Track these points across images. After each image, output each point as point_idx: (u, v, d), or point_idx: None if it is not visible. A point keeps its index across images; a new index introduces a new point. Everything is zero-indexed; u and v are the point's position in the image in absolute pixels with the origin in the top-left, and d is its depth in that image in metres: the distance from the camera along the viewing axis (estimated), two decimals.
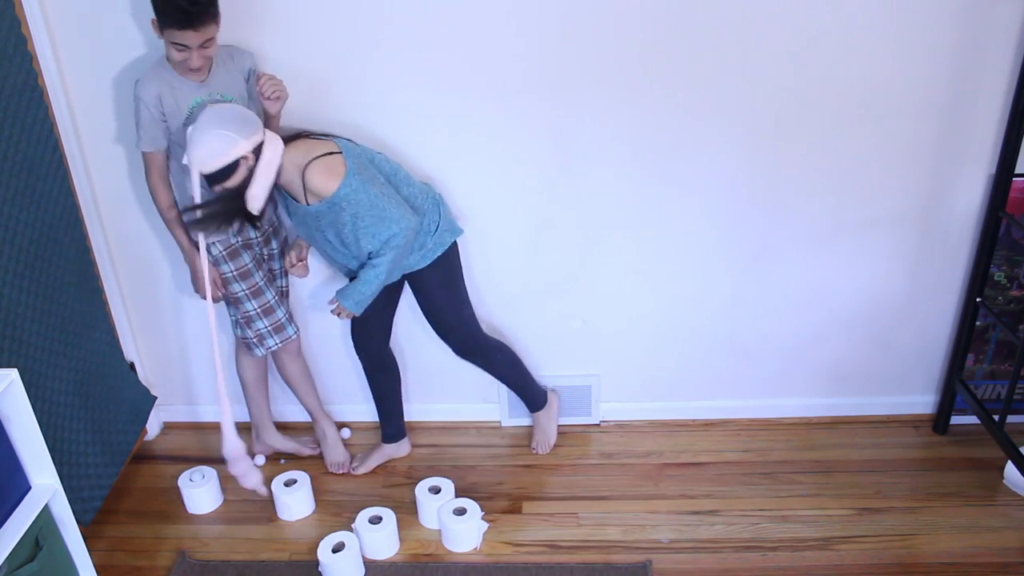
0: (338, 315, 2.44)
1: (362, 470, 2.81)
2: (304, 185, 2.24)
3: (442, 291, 2.52)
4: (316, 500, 2.70)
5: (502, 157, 2.57)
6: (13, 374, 1.79)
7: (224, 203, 2.22)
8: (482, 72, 2.44)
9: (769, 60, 2.39)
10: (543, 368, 2.92)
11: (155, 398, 2.97)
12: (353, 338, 2.66)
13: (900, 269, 2.71)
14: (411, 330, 2.86)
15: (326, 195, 2.24)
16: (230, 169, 2.16)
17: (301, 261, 2.57)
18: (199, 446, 3.00)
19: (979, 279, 2.61)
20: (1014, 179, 2.48)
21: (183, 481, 2.70)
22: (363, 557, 2.44)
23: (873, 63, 2.39)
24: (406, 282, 2.54)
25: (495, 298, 2.81)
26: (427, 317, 2.59)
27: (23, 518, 1.83)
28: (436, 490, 2.61)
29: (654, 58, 2.40)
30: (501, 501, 2.65)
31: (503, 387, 2.93)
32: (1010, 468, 2.61)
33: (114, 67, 2.49)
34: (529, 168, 2.58)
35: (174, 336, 2.95)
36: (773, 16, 2.33)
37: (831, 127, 2.48)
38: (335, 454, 2.82)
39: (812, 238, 2.66)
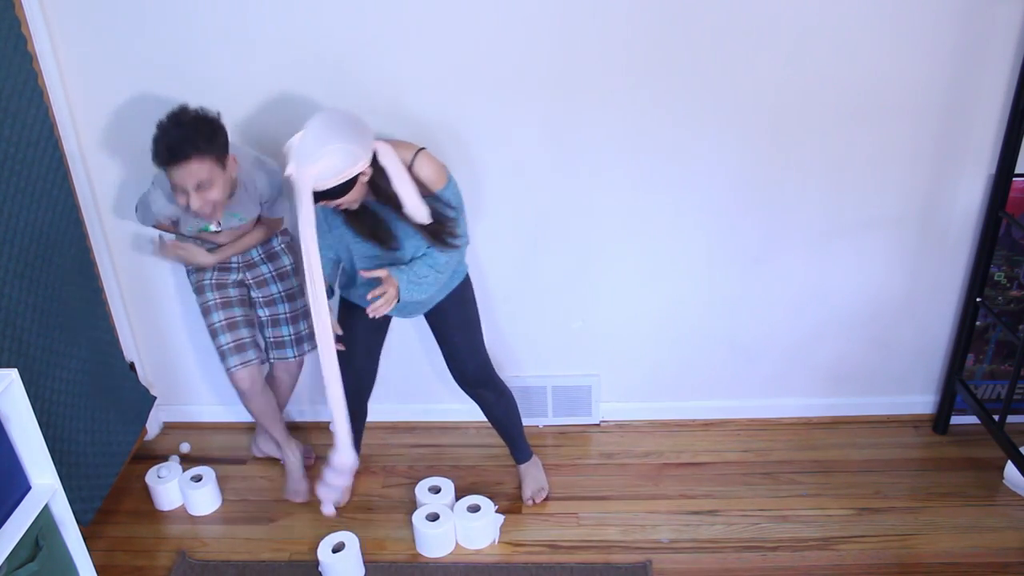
0: (378, 297, 2.10)
1: (343, 502, 2.69)
2: (414, 179, 2.07)
3: (464, 312, 2.41)
4: (313, 500, 2.71)
5: (502, 158, 2.57)
6: (13, 374, 1.79)
7: (380, 219, 2.13)
8: (482, 74, 2.44)
9: (768, 60, 2.39)
10: (543, 368, 2.93)
11: (155, 398, 2.97)
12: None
13: (900, 269, 2.71)
14: (411, 330, 2.86)
15: (438, 186, 2.11)
16: (347, 186, 1.98)
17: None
18: (199, 446, 3.00)
19: (979, 279, 2.61)
20: (1014, 179, 2.48)
21: (151, 478, 2.72)
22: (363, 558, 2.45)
23: (872, 63, 2.39)
24: (391, 322, 2.46)
25: (495, 298, 2.81)
26: (446, 343, 2.45)
27: (23, 518, 1.83)
28: (436, 490, 2.61)
29: (654, 59, 2.40)
30: (501, 501, 2.65)
31: None
32: (1010, 468, 2.62)
33: (114, 67, 2.49)
34: (529, 168, 2.58)
35: (174, 336, 2.95)
36: (772, 16, 2.34)
37: (831, 127, 2.48)
38: (295, 484, 2.74)
39: (812, 238, 2.66)
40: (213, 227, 2.40)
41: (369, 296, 2.13)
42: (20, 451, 1.87)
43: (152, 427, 3.05)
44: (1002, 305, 2.70)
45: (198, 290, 2.54)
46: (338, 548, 2.40)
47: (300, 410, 3.08)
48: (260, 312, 2.65)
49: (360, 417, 2.63)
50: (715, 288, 2.76)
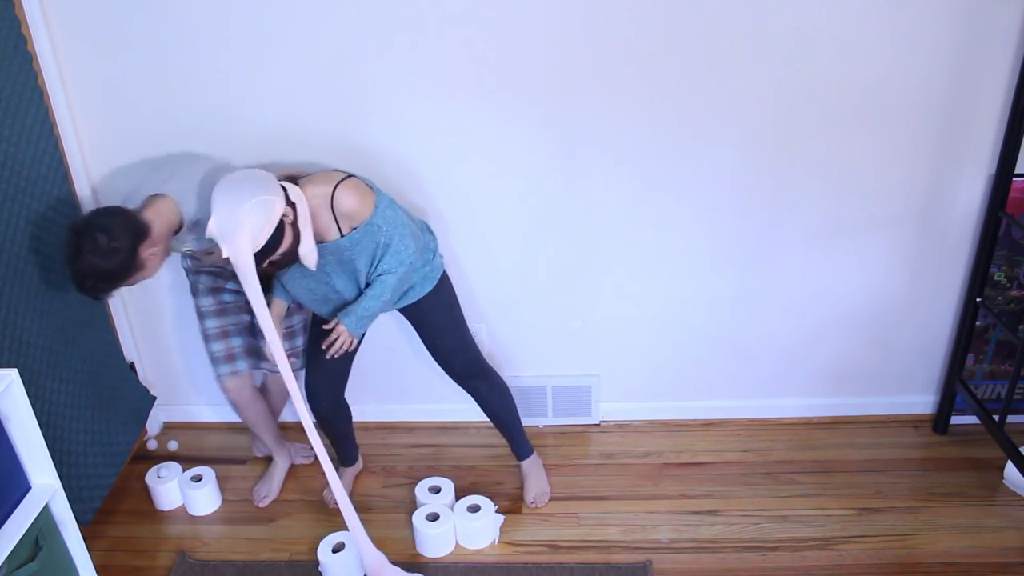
0: (332, 344, 2.22)
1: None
2: (336, 213, 2.10)
3: (446, 312, 2.41)
4: (313, 500, 2.71)
5: (502, 158, 2.57)
6: (13, 374, 1.79)
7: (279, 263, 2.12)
8: (482, 74, 2.44)
9: (768, 60, 2.39)
10: (543, 368, 2.93)
11: (155, 398, 2.97)
12: (309, 386, 2.47)
13: (900, 269, 2.71)
14: (410, 331, 2.86)
15: (364, 216, 2.11)
16: (279, 234, 2.01)
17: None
18: (199, 446, 3.01)
19: (979, 279, 2.61)
20: (1014, 179, 2.48)
21: (151, 478, 2.72)
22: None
23: (872, 63, 2.39)
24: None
25: (495, 299, 2.81)
26: (431, 344, 2.45)
27: (23, 518, 1.83)
28: (436, 490, 2.61)
29: (653, 59, 2.40)
30: (501, 501, 2.65)
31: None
32: (1010, 468, 2.61)
33: (114, 67, 2.49)
34: (529, 168, 2.58)
35: (174, 336, 2.95)
36: (772, 16, 2.33)
37: (831, 127, 2.48)
38: (267, 487, 2.74)
39: (812, 238, 2.66)
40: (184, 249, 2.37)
41: (324, 345, 2.24)
42: (20, 451, 1.87)
43: (152, 427, 3.05)
44: (1002, 305, 2.70)
45: (193, 292, 2.54)
46: (338, 548, 2.40)
47: None
48: (255, 321, 2.62)
49: (343, 413, 2.59)
50: (715, 288, 2.76)
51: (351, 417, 2.66)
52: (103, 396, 2.61)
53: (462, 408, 2.98)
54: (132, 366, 2.92)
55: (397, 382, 2.99)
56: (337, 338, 2.23)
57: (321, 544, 2.42)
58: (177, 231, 2.27)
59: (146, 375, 3.01)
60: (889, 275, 2.72)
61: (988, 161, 2.52)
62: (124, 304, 2.87)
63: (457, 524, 2.48)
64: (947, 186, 2.57)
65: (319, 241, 2.16)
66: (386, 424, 3.06)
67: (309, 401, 2.51)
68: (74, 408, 2.45)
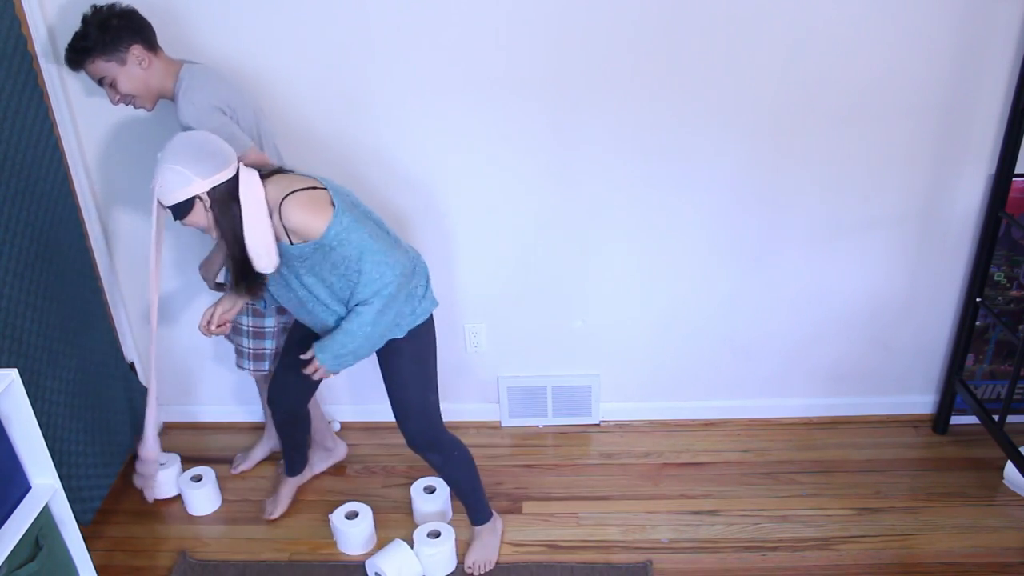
0: (313, 373, 2.09)
1: (278, 513, 2.64)
2: (283, 222, 1.92)
3: (414, 366, 2.18)
4: (314, 500, 2.71)
5: (501, 157, 2.57)
6: (13, 374, 1.79)
7: (232, 260, 1.97)
8: (482, 73, 2.44)
9: (768, 59, 2.39)
10: (543, 368, 2.93)
11: None
12: (270, 392, 2.42)
13: (900, 269, 2.71)
14: None
15: (310, 235, 1.93)
16: (186, 206, 1.91)
17: (222, 324, 2.20)
18: (198, 446, 3.01)
19: (979, 279, 2.61)
20: (1014, 179, 2.48)
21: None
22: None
23: (872, 63, 2.39)
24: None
25: (495, 299, 2.81)
26: (390, 394, 2.23)
27: (23, 518, 1.83)
28: (431, 490, 2.61)
29: (654, 58, 2.40)
30: (501, 501, 2.65)
31: (503, 386, 2.93)
32: (1010, 468, 2.62)
33: None
34: (529, 168, 2.58)
35: (174, 336, 2.95)
36: (771, 16, 2.34)
37: (831, 127, 2.48)
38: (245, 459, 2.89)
39: (812, 238, 2.66)
40: None
41: (303, 369, 2.14)
42: (20, 451, 1.87)
43: None
44: (1002, 305, 2.70)
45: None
46: (352, 516, 2.49)
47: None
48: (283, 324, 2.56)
49: (300, 424, 2.54)
50: (715, 288, 2.76)
51: (309, 429, 2.62)
52: (103, 396, 2.61)
53: (461, 408, 2.98)
54: (132, 366, 2.92)
55: None
56: (315, 369, 2.09)
57: (336, 511, 2.51)
58: (171, 98, 2.22)
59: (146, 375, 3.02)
60: (889, 275, 2.72)
61: (988, 161, 2.52)
62: (124, 304, 2.87)
63: (418, 551, 2.37)
64: (947, 186, 2.57)
65: (277, 240, 1.97)
66: (386, 424, 3.06)
67: (269, 405, 2.47)
68: (74, 408, 2.45)
